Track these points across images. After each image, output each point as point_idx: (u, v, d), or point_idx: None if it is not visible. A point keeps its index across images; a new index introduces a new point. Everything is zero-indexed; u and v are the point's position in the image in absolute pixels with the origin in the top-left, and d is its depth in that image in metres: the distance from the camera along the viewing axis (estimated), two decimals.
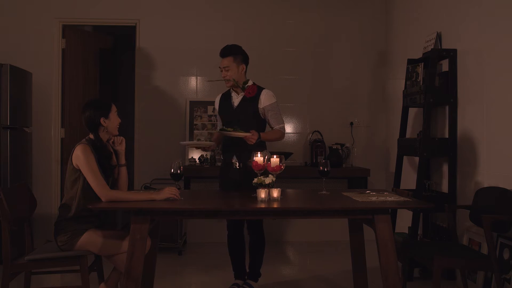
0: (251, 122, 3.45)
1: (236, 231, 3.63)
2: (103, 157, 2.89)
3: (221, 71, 3.49)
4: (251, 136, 3.26)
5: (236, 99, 3.54)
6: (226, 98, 3.63)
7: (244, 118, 3.46)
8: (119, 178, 3.02)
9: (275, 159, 2.90)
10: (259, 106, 3.48)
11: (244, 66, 3.52)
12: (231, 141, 3.41)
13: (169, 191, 2.81)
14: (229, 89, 3.63)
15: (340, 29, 5.46)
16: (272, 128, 3.55)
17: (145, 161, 5.28)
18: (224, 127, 3.37)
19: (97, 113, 2.88)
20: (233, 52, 3.48)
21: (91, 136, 2.90)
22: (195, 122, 5.25)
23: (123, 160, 3.04)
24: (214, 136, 3.78)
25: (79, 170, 2.79)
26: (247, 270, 3.66)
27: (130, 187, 5.62)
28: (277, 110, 3.53)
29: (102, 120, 2.89)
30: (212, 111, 5.23)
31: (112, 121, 2.93)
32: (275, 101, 3.51)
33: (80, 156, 2.76)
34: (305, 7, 5.43)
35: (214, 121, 5.25)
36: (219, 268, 4.28)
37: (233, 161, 3.26)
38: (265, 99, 3.48)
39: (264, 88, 3.55)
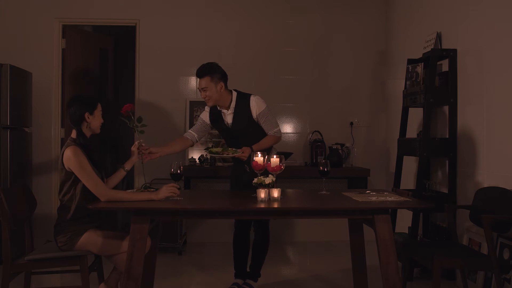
0: (249, 133, 3.42)
1: (243, 230, 3.63)
2: (91, 152, 2.88)
3: (200, 91, 3.37)
4: (241, 155, 3.24)
5: (228, 116, 3.45)
6: (216, 114, 3.51)
7: (242, 132, 3.42)
8: (114, 176, 3.08)
9: (275, 159, 2.90)
10: (252, 116, 3.41)
11: (223, 84, 3.37)
12: (239, 146, 3.32)
13: (167, 190, 2.79)
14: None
15: (340, 29, 5.46)
16: (267, 133, 3.47)
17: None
18: (211, 148, 3.30)
19: (83, 107, 2.87)
20: (210, 71, 3.33)
21: (73, 135, 2.89)
22: (195, 122, 5.22)
23: (128, 166, 3.09)
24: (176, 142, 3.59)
25: (73, 172, 2.78)
26: (248, 270, 3.67)
27: (130, 186, 5.62)
28: (269, 114, 3.45)
29: (86, 115, 2.87)
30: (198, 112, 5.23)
31: (96, 119, 2.92)
32: (265, 106, 3.43)
33: (71, 159, 2.75)
34: (305, 7, 5.43)
35: None
36: (219, 268, 4.28)
37: (245, 166, 3.30)
38: (257, 107, 3.41)
39: (251, 95, 3.46)
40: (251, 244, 3.66)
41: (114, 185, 3.09)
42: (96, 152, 2.95)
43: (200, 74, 3.34)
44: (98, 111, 2.94)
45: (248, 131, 3.43)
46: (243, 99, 3.43)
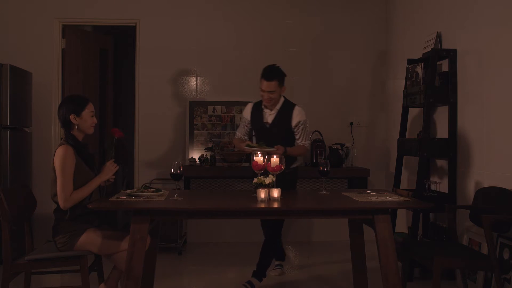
0: (282, 137, 3.61)
1: (272, 236, 3.72)
2: (83, 150, 2.88)
3: (263, 92, 3.57)
4: (275, 151, 3.35)
5: (269, 116, 3.67)
6: (258, 111, 3.72)
7: (277, 134, 3.62)
8: None
9: (275, 159, 2.90)
10: (291, 122, 3.63)
11: (285, 88, 3.67)
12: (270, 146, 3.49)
13: (110, 170, 2.90)
14: (261, 102, 3.73)
15: (340, 29, 5.46)
16: (298, 143, 3.67)
17: (145, 161, 5.28)
18: (249, 143, 3.49)
19: (68, 109, 2.85)
20: (278, 75, 3.58)
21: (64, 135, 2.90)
22: (195, 122, 5.25)
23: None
24: (236, 146, 3.89)
25: None
26: (255, 269, 3.70)
27: (130, 187, 5.62)
28: (306, 127, 3.70)
29: (72, 117, 2.84)
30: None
31: (85, 120, 2.88)
32: (305, 119, 3.67)
33: (58, 157, 2.76)
34: (305, 7, 5.42)
35: (214, 121, 5.25)
36: (219, 268, 4.28)
37: None
38: (299, 116, 3.64)
39: (296, 105, 3.69)
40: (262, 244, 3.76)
41: None
42: (88, 150, 2.95)
43: (270, 77, 3.54)
44: (87, 112, 2.89)
45: (282, 135, 3.63)
46: (289, 105, 3.69)
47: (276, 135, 3.62)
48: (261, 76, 3.60)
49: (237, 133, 3.88)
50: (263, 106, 3.69)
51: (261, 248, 3.70)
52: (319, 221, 5.30)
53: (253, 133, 3.95)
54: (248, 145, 3.43)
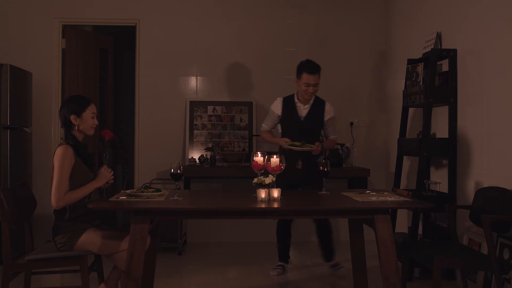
0: (313, 130, 3.84)
1: (284, 222, 4.06)
2: (82, 150, 2.88)
3: (308, 86, 3.77)
4: (316, 149, 3.66)
5: (304, 110, 3.89)
6: (289, 106, 3.88)
7: (310, 129, 3.82)
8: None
9: (275, 159, 2.90)
10: (324, 117, 3.90)
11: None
12: (299, 139, 3.69)
13: (105, 177, 2.88)
14: (293, 97, 3.90)
15: (340, 29, 5.45)
16: (327, 137, 3.92)
17: (145, 161, 5.28)
18: (292, 142, 3.65)
19: (69, 109, 2.85)
20: (319, 69, 3.83)
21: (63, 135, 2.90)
22: (195, 122, 5.25)
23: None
24: (268, 139, 4.03)
25: None
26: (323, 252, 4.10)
27: (130, 187, 5.62)
28: (335, 121, 3.97)
29: (73, 117, 2.85)
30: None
31: (85, 121, 2.88)
32: (335, 114, 3.96)
33: (57, 156, 2.76)
34: (305, 7, 5.42)
35: (214, 121, 5.25)
36: (219, 268, 4.28)
37: (298, 163, 3.71)
38: (330, 113, 3.92)
39: (325, 101, 3.95)
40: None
41: None
42: (87, 150, 2.95)
43: (314, 70, 3.80)
44: (88, 113, 2.89)
45: (313, 128, 3.88)
46: (320, 101, 3.94)
47: (309, 128, 3.83)
48: (301, 70, 3.81)
49: (264, 126, 4.02)
50: (296, 100, 3.88)
51: (317, 234, 4.07)
52: None
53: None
54: (293, 144, 3.59)
